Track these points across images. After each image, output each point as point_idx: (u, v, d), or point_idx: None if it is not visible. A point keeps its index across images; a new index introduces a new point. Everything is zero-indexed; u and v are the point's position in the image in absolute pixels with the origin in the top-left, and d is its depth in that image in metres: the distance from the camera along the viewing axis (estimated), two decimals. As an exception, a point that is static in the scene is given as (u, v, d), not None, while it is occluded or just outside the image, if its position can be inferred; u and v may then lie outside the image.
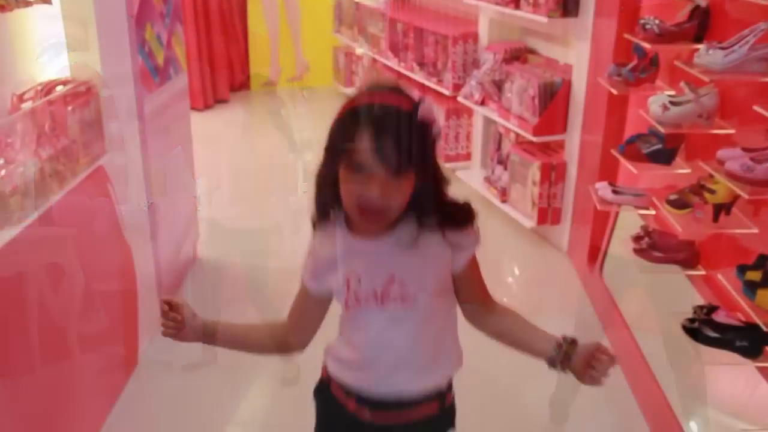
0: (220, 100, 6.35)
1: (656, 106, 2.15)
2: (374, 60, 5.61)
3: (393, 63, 5.06)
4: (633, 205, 2.67)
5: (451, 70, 4.20)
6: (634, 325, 2.55)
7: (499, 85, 3.75)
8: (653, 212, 2.68)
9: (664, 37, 2.20)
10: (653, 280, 2.51)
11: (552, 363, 1.31)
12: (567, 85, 3.39)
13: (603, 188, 2.74)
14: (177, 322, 1.38)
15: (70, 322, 2.07)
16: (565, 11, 3.25)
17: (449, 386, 1.44)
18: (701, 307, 2.05)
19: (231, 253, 3.55)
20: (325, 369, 1.46)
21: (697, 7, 2.22)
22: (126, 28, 2.43)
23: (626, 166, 2.68)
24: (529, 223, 3.62)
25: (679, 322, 2.04)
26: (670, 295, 2.49)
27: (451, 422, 1.48)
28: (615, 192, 2.72)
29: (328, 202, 1.32)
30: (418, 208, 1.29)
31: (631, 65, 2.53)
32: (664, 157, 2.34)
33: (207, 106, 6.16)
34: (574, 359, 1.29)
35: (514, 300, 3.25)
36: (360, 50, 5.95)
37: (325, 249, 1.35)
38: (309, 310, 1.42)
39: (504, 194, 3.83)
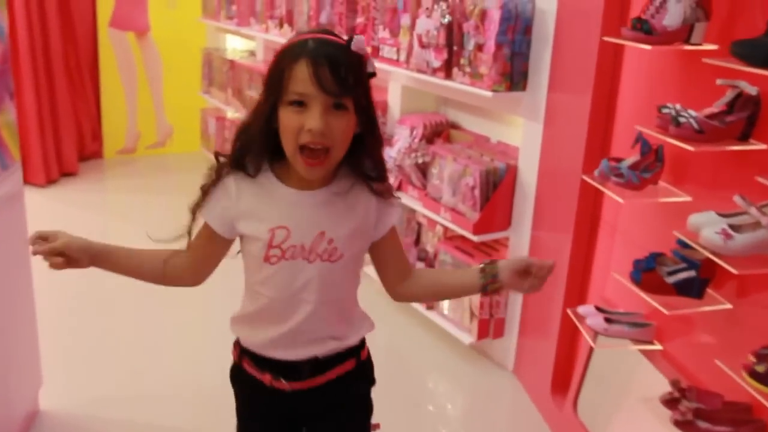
0: (67, 173, 5.30)
1: (712, 232, 1.52)
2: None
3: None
4: (634, 340, 2.04)
5: (357, 147, 3.51)
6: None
7: (422, 169, 3.08)
8: (658, 347, 2.07)
9: (706, 135, 1.59)
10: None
11: (483, 288, 1.35)
12: (513, 172, 2.77)
13: (592, 316, 2.10)
14: (58, 252, 1.32)
15: None
16: (511, 84, 2.64)
17: (362, 342, 1.48)
18: None
19: (82, 403, 2.62)
20: (235, 351, 1.46)
21: (740, 95, 1.64)
22: None
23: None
24: (467, 338, 2.94)
25: None
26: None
27: (369, 376, 1.52)
28: (608, 320, 2.09)
29: (253, 152, 1.31)
30: (356, 160, 1.32)
31: (630, 161, 1.92)
32: (696, 288, 1.73)
33: (50, 181, 5.10)
34: (501, 275, 1.33)
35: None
36: (235, 115, 5.14)
37: (245, 197, 1.33)
38: (211, 250, 1.40)
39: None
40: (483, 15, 2.62)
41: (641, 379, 2.15)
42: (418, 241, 3.35)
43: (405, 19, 3.04)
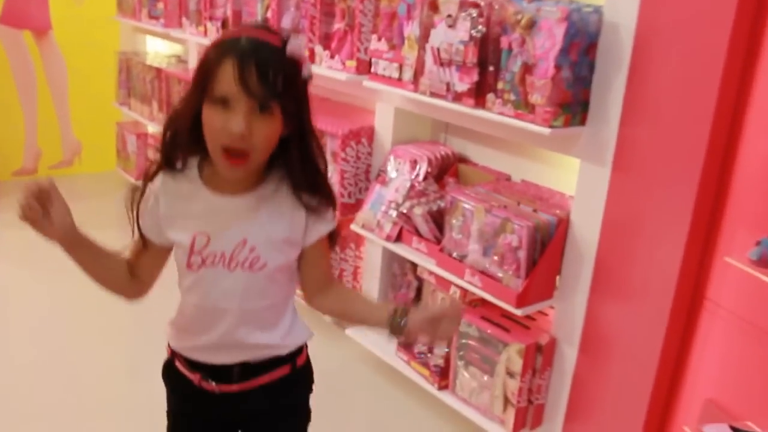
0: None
1: None
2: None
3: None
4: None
5: (338, 184, 2.83)
6: None
7: (435, 217, 2.45)
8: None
9: None
10: None
11: (389, 325, 1.31)
12: (564, 227, 2.18)
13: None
14: (42, 208, 1.21)
15: None
16: (570, 117, 2.05)
17: (299, 349, 1.45)
18: None
19: None
20: (168, 348, 1.44)
21: None
22: None
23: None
24: (500, 430, 2.33)
25: None
26: None
27: (307, 383, 1.50)
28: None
29: (180, 146, 1.28)
30: (285, 165, 1.29)
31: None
32: None
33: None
34: (410, 318, 1.28)
35: None
36: (160, 130, 4.33)
37: (169, 199, 1.31)
38: (147, 261, 1.37)
39: (443, 377, 2.52)
40: (531, 26, 2.01)
41: None
42: (418, 299, 2.72)
43: (411, 28, 2.39)
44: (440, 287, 2.54)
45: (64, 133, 4.96)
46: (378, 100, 2.79)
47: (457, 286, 2.41)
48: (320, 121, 2.92)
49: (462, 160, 2.71)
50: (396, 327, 1.30)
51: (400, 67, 2.45)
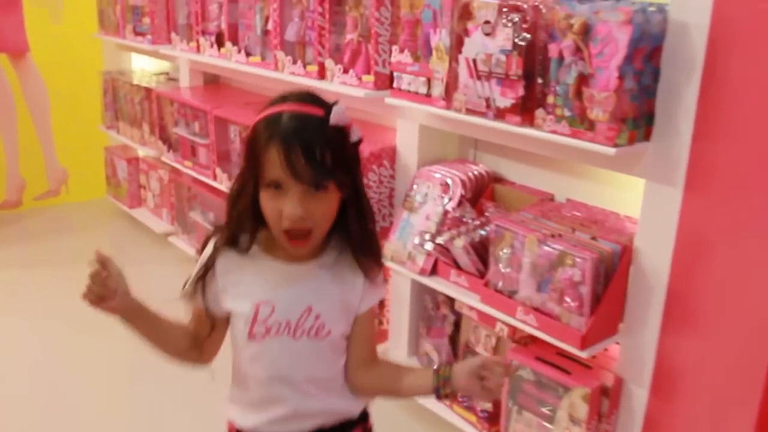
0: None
1: None
2: (177, 173, 3.77)
3: (223, 184, 3.29)
4: None
5: (359, 211, 2.57)
6: None
7: (476, 247, 2.19)
8: None
9: None
10: None
11: (436, 392, 1.28)
12: (628, 255, 1.93)
13: None
14: (105, 287, 1.18)
15: None
16: (635, 132, 1.80)
17: (365, 414, 1.43)
18: None
19: None
20: (233, 427, 1.38)
21: None
22: None
23: None
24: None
25: None
26: None
27: None
28: None
29: (242, 224, 1.26)
30: (343, 232, 1.27)
31: None
32: None
33: None
34: (454, 379, 1.25)
35: None
36: (153, 155, 4.04)
37: (230, 270, 1.28)
38: (208, 331, 1.33)
39: (493, 424, 2.27)
40: (586, 31, 1.76)
41: None
42: (455, 336, 2.47)
43: (440, 37, 2.13)
44: (483, 323, 2.29)
45: (49, 160, 4.66)
46: (399, 116, 2.53)
47: (505, 323, 2.15)
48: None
49: (497, 179, 2.46)
50: (442, 389, 1.27)
51: (428, 82, 2.19)
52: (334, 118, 1.17)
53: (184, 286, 1.31)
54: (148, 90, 3.89)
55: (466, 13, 2.02)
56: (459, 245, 2.15)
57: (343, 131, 1.19)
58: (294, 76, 2.72)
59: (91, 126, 4.60)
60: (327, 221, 1.22)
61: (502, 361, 1.24)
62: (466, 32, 2.03)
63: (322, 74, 2.62)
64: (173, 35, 3.61)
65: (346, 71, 2.51)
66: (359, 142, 1.23)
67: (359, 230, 1.26)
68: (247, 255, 1.27)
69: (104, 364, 2.88)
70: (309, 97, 1.22)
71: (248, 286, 1.28)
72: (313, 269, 1.28)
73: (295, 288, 1.27)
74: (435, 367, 1.29)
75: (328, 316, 1.28)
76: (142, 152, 4.29)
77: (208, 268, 1.28)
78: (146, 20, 3.78)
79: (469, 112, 2.06)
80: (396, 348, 2.69)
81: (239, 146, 3.17)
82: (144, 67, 4.60)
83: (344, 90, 2.49)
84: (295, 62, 2.73)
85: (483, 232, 2.18)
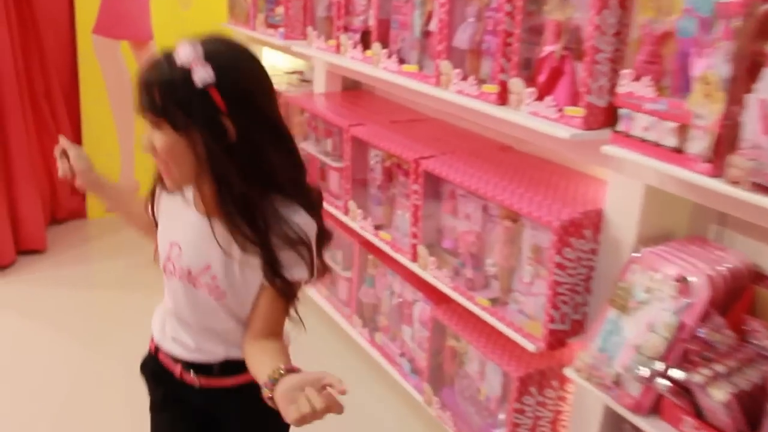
0: (28, 251, 3.63)
1: None
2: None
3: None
4: None
5: (548, 302, 1.81)
6: None
7: (744, 401, 1.38)
8: None
9: None
10: None
11: (263, 389, 1.11)
12: None
13: None
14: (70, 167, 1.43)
15: None
16: None
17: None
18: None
19: None
20: (152, 341, 1.46)
21: None
22: None
23: None
24: None
25: None
26: None
27: None
28: None
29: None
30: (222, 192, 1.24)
31: None
32: None
33: (5, 265, 3.45)
34: (279, 387, 1.06)
35: None
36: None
37: (166, 199, 1.37)
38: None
39: None
40: None
41: None
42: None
43: (711, 63, 1.34)
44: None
45: (124, 170, 4.16)
46: (614, 167, 1.75)
47: None
48: (513, 199, 1.91)
49: (759, 276, 1.63)
50: (264, 388, 1.09)
51: (682, 129, 1.41)
52: (179, 56, 1.17)
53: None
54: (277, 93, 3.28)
55: (766, 32, 1.22)
56: (719, 398, 1.35)
57: (187, 72, 1.16)
58: (462, 97, 2.00)
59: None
60: (176, 161, 1.21)
61: (338, 385, 1.00)
62: (762, 60, 1.24)
63: (503, 98, 1.87)
64: (309, 30, 2.97)
65: (540, 98, 1.76)
66: (210, 85, 1.17)
67: (227, 189, 1.21)
68: (181, 195, 1.32)
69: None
70: (203, 38, 1.22)
71: (171, 221, 1.36)
72: (221, 227, 1.26)
73: (202, 239, 1.28)
74: (281, 365, 1.13)
75: (224, 281, 1.29)
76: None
77: (154, 189, 1.39)
78: (280, 10, 3.16)
79: (757, 188, 1.26)
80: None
81: (380, 177, 2.49)
82: (276, 63, 4.00)
83: (535, 124, 1.75)
84: (465, 78, 2.00)
85: (752, 375, 1.38)
